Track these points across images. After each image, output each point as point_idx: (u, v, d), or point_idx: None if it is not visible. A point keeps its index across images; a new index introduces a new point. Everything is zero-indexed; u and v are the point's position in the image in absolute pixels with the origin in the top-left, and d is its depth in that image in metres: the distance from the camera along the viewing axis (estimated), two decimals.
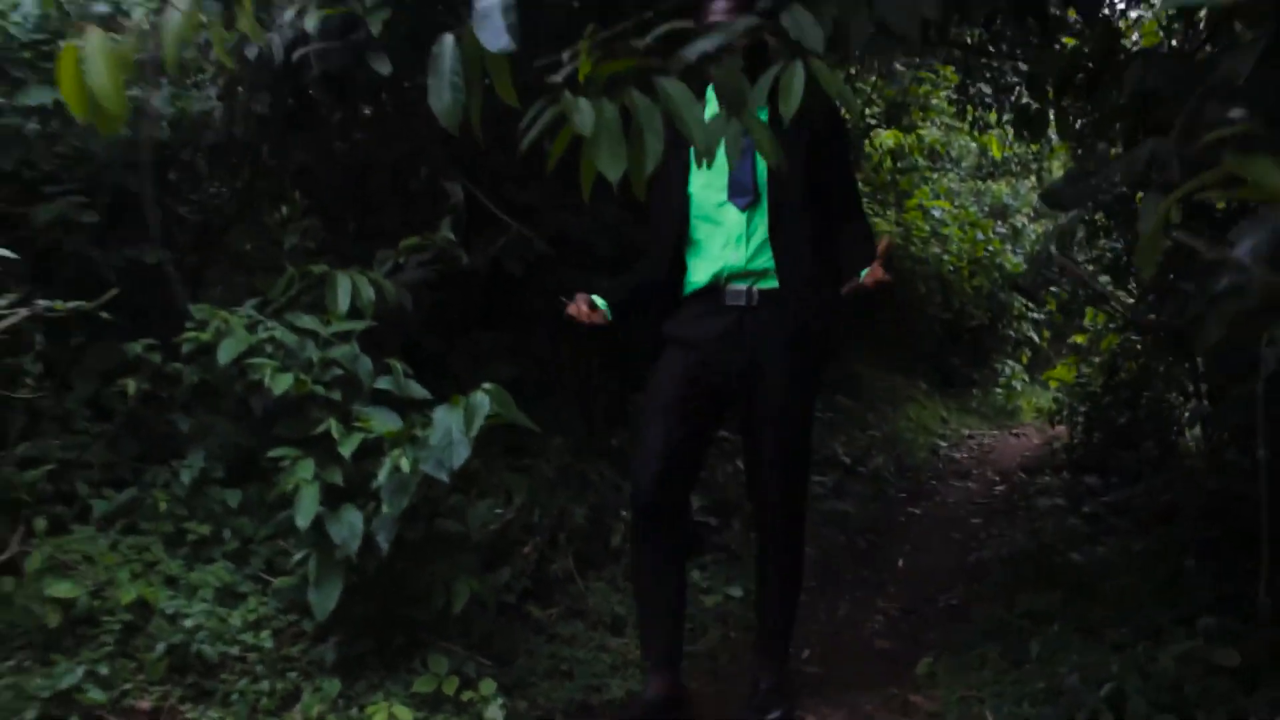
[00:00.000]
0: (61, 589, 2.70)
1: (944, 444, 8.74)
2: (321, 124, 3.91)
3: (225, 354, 2.97)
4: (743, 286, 2.96)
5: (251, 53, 3.44)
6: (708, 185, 2.97)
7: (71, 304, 2.66)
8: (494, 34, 1.53)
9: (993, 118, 6.93)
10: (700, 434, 3.06)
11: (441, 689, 2.85)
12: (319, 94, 3.54)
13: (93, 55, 1.22)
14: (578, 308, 2.98)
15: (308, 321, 3.21)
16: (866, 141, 8.03)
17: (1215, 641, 3.09)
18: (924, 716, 3.25)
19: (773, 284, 2.96)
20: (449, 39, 1.52)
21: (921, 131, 8.98)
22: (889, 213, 9.34)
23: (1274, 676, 2.86)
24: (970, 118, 7.14)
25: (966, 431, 9.58)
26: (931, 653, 3.70)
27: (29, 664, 2.62)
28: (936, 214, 9.65)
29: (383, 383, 3.18)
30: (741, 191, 2.94)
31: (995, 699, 3.18)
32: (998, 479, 7.53)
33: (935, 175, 10.32)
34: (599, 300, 3.03)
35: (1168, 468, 5.89)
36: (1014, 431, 10.01)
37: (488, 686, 2.87)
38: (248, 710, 2.71)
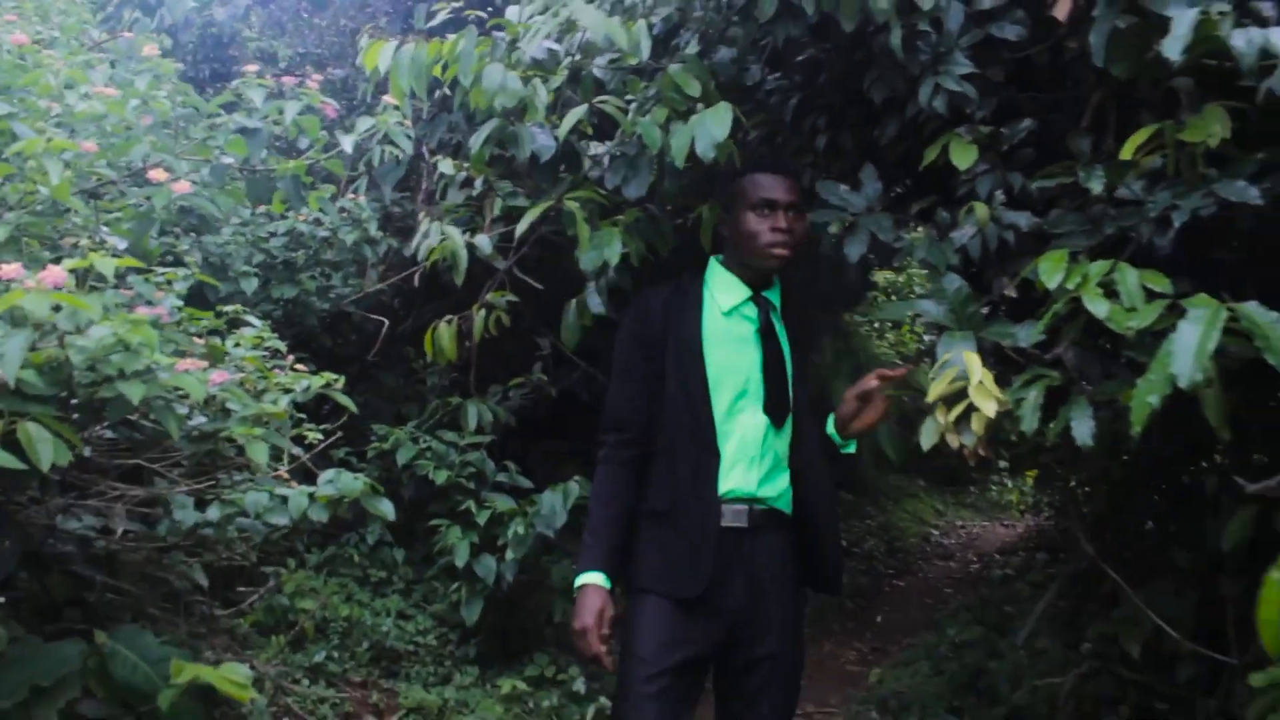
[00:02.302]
0: (306, 604, 4.28)
1: (936, 532, 10.20)
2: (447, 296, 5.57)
3: (402, 458, 4.59)
4: (743, 506, 2.47)
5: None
6: (720, 382, 2.50)
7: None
8: (594, 303, 3.14)
9: None
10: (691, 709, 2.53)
11: (544, 673, 4.40)
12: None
13: (442, 332, 2.86)
14: (595, 648, 2.48)
15: (451, 436, 4.82)
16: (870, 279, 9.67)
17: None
18: (865, 701, 4.78)
19: (780, 506, 2.53)
20: (573, 303, 3.13)
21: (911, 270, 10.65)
22: (888, 336, 10.96)
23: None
24: None
25: (959, 522, 11.03)
26: (882, 668, 5.21)
27: (288, 648, 4.19)
28: (928, 337, 11.28)
29: (501, 477, 4.77)
30: (781, 406, 2.52)
31: (914, 689, 4.70)
32: (975, 559, 8.98)
33: None
34: (606, 581, 2.47)
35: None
36: (1004, 522, 11.42)
37: (575, 671, 4.42)
38: (421, 684, 4.27)
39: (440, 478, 4.55)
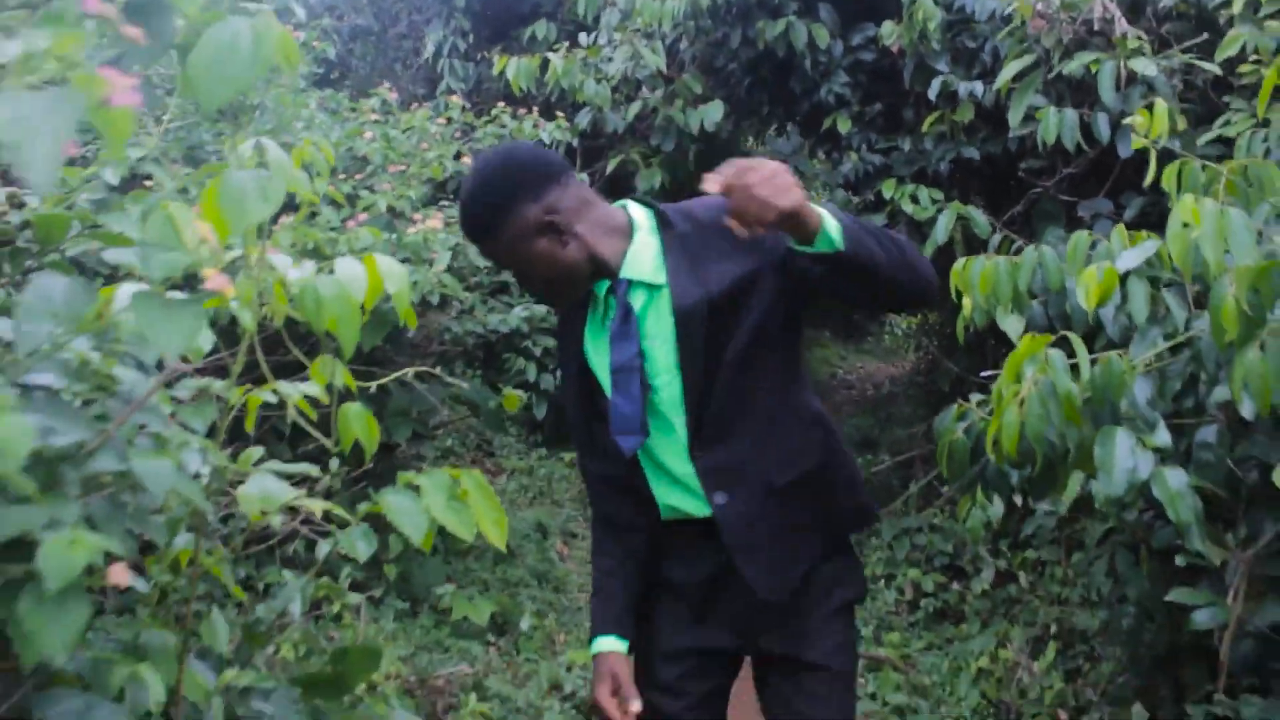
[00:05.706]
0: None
1: (841, 371, 12.72)
2: None
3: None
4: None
5: None
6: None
7: None
8: None
9: None
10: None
11: None
12: None
13: None
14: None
15: None
16: None
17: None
18: None
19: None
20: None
21: None
22: None
23: None
24: None
25: (860, 364, 13.57)
26: None
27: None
28: None
29: None
30: (629, 426, 1.89)
31: None
32: (872, 388, 11.51)
33: None
34: (623, 645, 1.98)
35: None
36: (895, 363, 13.98)
37: None
38: (516, 458, 6.58)
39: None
